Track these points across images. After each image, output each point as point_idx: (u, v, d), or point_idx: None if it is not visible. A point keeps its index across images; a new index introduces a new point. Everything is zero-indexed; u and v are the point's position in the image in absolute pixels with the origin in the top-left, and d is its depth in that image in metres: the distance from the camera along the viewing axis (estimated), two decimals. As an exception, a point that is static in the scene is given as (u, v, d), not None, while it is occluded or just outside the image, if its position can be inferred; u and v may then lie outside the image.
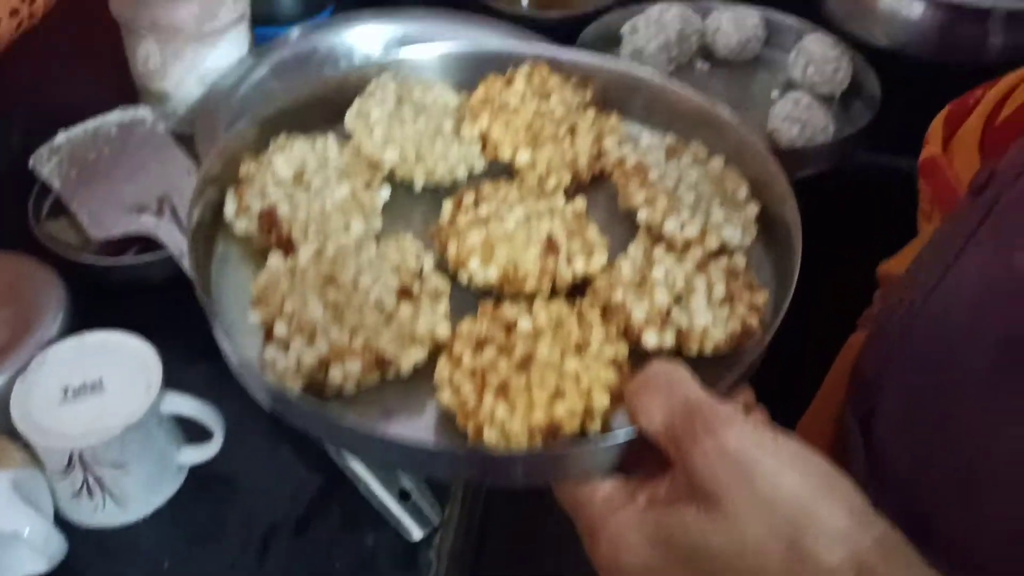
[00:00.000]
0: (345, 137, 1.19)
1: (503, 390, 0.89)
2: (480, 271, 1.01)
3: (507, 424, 0.87)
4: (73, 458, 1.10)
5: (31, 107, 1.63)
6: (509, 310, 0.98)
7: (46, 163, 1.39)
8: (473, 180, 1.16)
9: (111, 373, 1.15)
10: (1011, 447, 0.84)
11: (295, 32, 1.65)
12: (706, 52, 1.97)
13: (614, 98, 1.24)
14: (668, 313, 0.97)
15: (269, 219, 1.05)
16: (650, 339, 0.96)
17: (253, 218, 1.07)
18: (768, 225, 1.11)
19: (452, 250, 1.04)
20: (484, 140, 1.16)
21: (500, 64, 1.24)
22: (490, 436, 0.87)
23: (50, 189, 1.39)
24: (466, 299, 1.03)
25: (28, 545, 1.07)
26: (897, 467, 0.97)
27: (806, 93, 1.82)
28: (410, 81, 1.24)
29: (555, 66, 1.23)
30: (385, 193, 1.14)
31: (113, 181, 1.41)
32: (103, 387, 1.11)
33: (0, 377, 1.14)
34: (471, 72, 1.25)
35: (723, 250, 1.04)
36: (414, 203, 1.16)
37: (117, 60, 1.55)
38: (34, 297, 1.24)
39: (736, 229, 1.06)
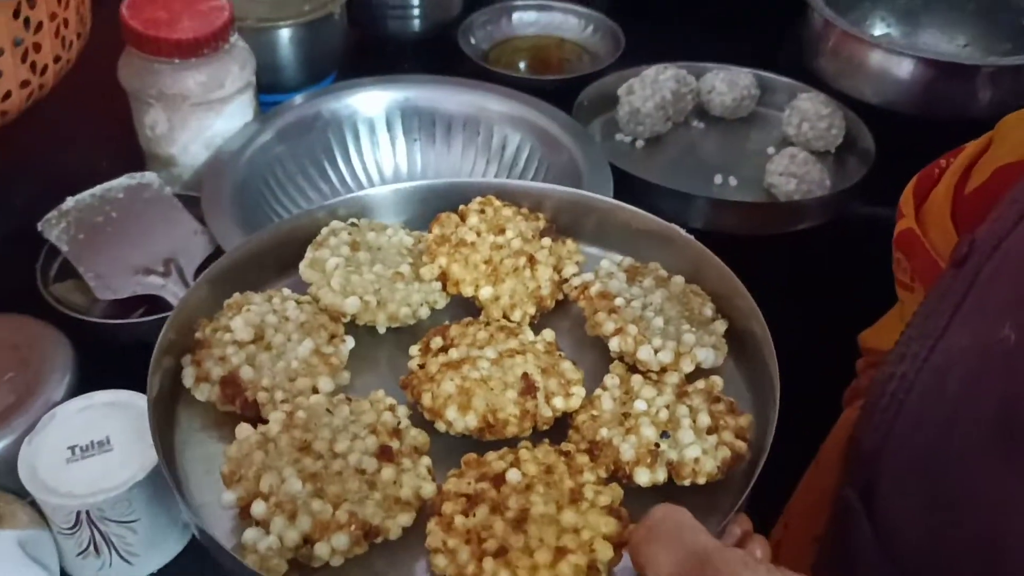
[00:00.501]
0: (301, 287, 1.10)
1: (502, 553, 0.82)
2: (459, 420, 0.95)
3: None
4: (80, 516, 1.05)
5: (40, 172, 1.61)
6: (496, 462, 0.91)
7: (54, 227, 1.35)
8: (435, 316, 1.10)
9: (118, 431, 1.12)
10: None
11: (299, 99, 1.62)
12: (701, 111, 1.94)
13: (567, 223, 1.19)
14: (657, 447, 0.91)
15: (232, 386, 0.97)
16: (642, 477, 0.91)
17: (215, 384, 0.99)
18: (736, 338, 1.06)
19: (427, 400, 0.97)
20: (444, 278, 1.09)
21: (449, 200, 1.17)
22: None
23: (58, 252, 1.35)
24: (445, 444, 0.97)
25: (35, 605, 1.07)
26: (909, 538, 0.92)
27: (802, 148, 1.76)
28: (362, 225, 1.15)
29: (505, 196, 1.17)
30: (349, 344, 1.05)
31: (120, 244, 1.37)
32: (110, 445, 1.07)
33: (8, 437, 1.11)
34: (420, 208, 1.20)
35: (698, 370, 1.01)
36: (378, 345, 1.09)
37: (124, 126, 1.52)
38: (42, 358, 1.19)
39: (709, 351, 1.02)
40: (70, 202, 1.42)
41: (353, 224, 1.15)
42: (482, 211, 1.15)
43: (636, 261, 1.14)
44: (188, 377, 1.01)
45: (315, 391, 0.99)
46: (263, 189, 1.55)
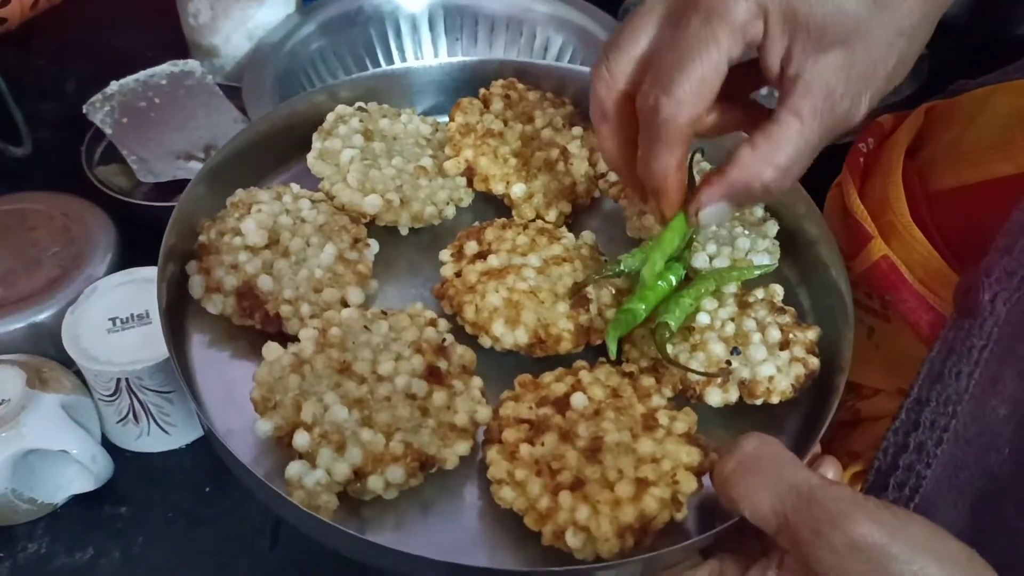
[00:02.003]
0: (307, 181, 0.66)
1: (579, 486, 0.49)
2: (508, 335, 0.55)
3: (593, 527, 0.48)
4: (120, 384, 0.74)
5: (86, 58, 1.14)
6: (555, 384, 0.55)
7: (98, 111, 0.96)
8: (460, 215, 0.66)
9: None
10: None
11: None
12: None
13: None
14: (728, 365, 0.55)
15: (250, 297, 0.56)
16: (714, 397, 0.55)
17: (228, 296, 0.57)
18: (786, 239, 0.65)
19: (470, 313, 0.56)
20: (470, 172, 0.66)
21: (465, 83, 0.74)
22: (575, 542, 0.48)
23: (103, 136, 0.95)
24: (488, 360, 0.57)
25: (77, 464, 0.72)
26: None
27: None
28: (372, 110, 0.69)
29: (525, 78, 0.73)
30: (374, 249, 0.62)
31: (162, 129, 0.96)
32: (149, 319, 0.76)
33: (53, 308, 0.79)
34: (434, 93, 0.75)
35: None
36: (398, 248, 0.65)
37: (169, 15, 1.08)
38: (86, 235, 0.84)
39: (764, 255, 0.63)
40: (114, 86, 0.98)
41: (362, 109, 0.69)
42: (506, 96, 0.71)
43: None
44: (196, 287, 0.58)
45: (343, 303, 0.58)
46: (304, 81, 1.03)
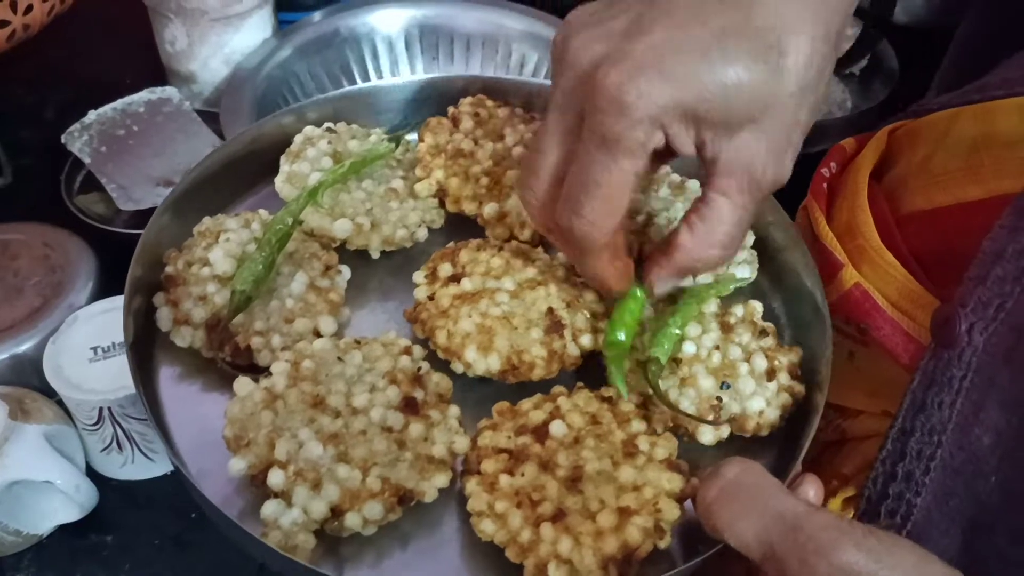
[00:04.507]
0: (273, 205, 0.60)
1: (560, 518, 0.45)
2: (480, 361, 0.50)
3: (576, 560, 0.44)
4: (103, 412, 0.69)
5: (65, 85, 1.07)
6: (533, 412, 0.50)
7: (77, 140, 0.90)
8: (433, 237, 0.61)
9: (138, 334, 0.76)
10: None
11: (317, 16, 1.06)
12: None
13: None
14: (719, 402, 0.50)
15: (218, 330, 0.51)
16: (707, 436, 0.50)
17: (197, 329, 0.52)
18: (758, 245, 0.61)
19: (442, 339, 0.51)
20: (442, 193, 0.61)
21: (434, 101, 0.68)
22: (558, 575, 0.44)
23: (82, 165, 0.90)
24: (461, 386, 0.52)
25: (61, 494, 0.67)
26: None
27: None
28: (341, 131, 0.64)
29: (494, 94, 0.67)
30: (346, 275, 0.57)
31: (141, 156, 0.91)
32: None
33: (35, 338, 0.73)
34: (401, 111, 0.69)
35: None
36: (370, 272, 0.59)
37: (145, 42, 1.02)
38: (66, 264, 0.79)
39: (745, 267, 0.58)
40: (92, 115, 0.92)
41: (330, 130, 0.63)
42: (475, 114, 0.65)
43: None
44: (164, 320, 0.53)
45: (316, 333, 0.53)
46: (282, 105, 0.96)
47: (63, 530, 0.70)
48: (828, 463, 0.61)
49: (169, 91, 0.95)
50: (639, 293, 0.51)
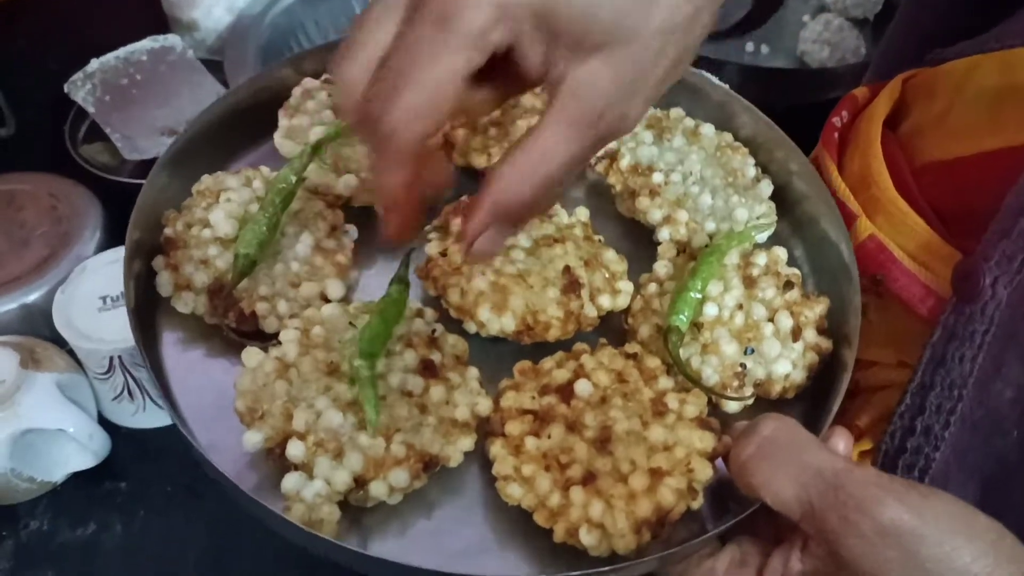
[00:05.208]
0: (275, 161, 0.53)
1: (590, 480, 0.40)
2: (494, 321, 0.45)
3: (608, 524, 0.39)
4: (113, 362, 0.64)
5: (67, 35, 0.98)
6: (556, 370, 0.44)
7: (80, 89, 0.83)
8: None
9: (146, 281, 0.71)
10: None
11: None
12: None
13: None
14: (743, 368, 0.45)
15: (222, 296, 0.45)
16: (732, 405, 0.46)
17: (200, 294, 0.46)
18: (778, 195, 0.55)
19: (455, 297, 0.45)
20: (448, 145, 0.54)
21: None
22: (590, 540, 0.39)
23: (86, 114, 0.82)
24: (475, 346, 0.46)
25: (75, 442, 0.63)
26: None
27: (838, 15, 1.00)
28: None
29: None
30: (353, 235, 0.50)
31: (145, 105, 0.83)
32: None
33: (43, 288, 0.68)
34: None
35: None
36: (376, 229, 0.52)
37: None
38: (73, 215, 0.72)
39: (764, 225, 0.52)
40: (94, 64, 0.84)
41: (329, 82, 0.56)
42: None
43: (655, 108, 0.56)
44: (165, 285, 0.46)
45: (323, 298, 0.46)
46: (286, 54, 0.87)
47: (77, 477, 0.65)
48: (842, 415, 0.57)
49: (172, 39, 0.87)
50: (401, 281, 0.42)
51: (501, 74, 0.36)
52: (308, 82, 0.54)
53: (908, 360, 0.47)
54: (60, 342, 0.65)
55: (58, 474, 0.65)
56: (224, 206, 0.47)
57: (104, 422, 0.67)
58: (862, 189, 0.53)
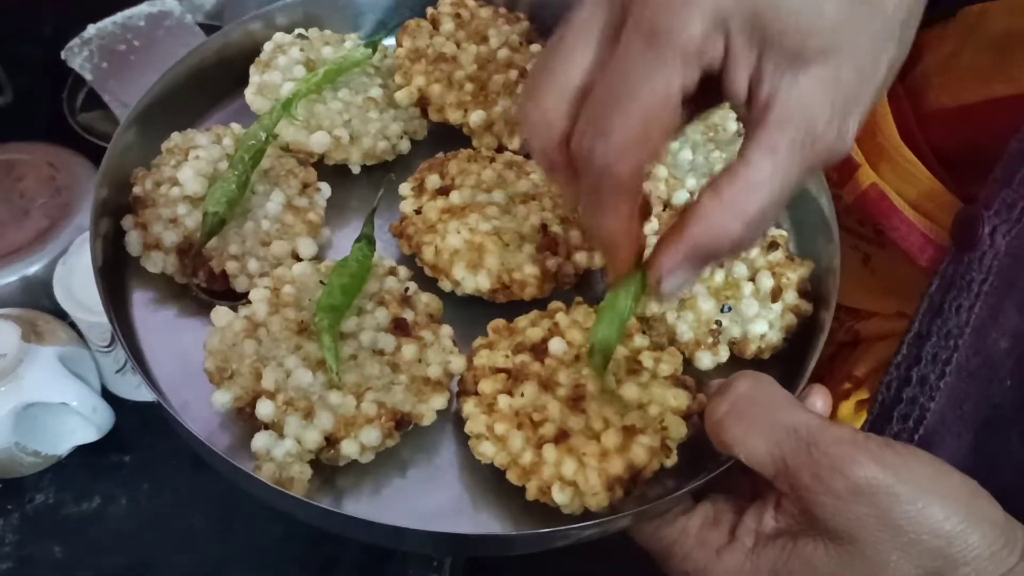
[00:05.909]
0: (247, 118, 0.52)
1: (563, 439, 0.39)
2: (469, 279, 0.44)
3: (581, 481, 0.39)
4: (115, 335, 0.74)
5: (62, 1, 0.94)
6: (530, 329, 0.43)
7: (77, 55, 0.82)
8: (417, 149, 0.54)
9: (150, 253, 0.70)
10: None
11: None
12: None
13: (550, 22, 0.57)
14: (718, 325, 0.45)
15: (191, 255, 0.45)
16: (704, 361, 0.45)
17: (169, 253, 0.45)
18: None
19: (429, 255, 0.44)
20: (424, 102, 0.53)
21: (414, 1, 0.59)
22: (562, 497, 0.39)
23: (84, 82, 0.82)
24: (450, 304, 0.46)
25: (78, 415, 0.63)
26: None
27: None
28: (313, 37, 0.56)
29: None
30: (326, 193, 0.50)
31: (143, 72, 0.82)
32: None
33: (43, 259, 0.68)
34: (378, 14, 0.61)
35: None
36: (349, 189, 0.52)
37: None
38: (72, 185, 0.72)
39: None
40: (91, 29, 0.83)
41: (302, 36, 0.55)
42: (456, 15, 0.57)
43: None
44: (134, 245, 0.46)
45: (294, 256, 0.46)
46: None
47: (82, 450, 0.65)
48: (841, 365, 0.55)
49: (169, 4, 0.86)
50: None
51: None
52: (280, 37, 0.53)
53: (906, 311, 0.46)
54: (62, 315, 0.65)
55: (62, 447, 0.65)
56: (193, 164, 0.46)
57: (107, 395, 0.67)
58: (867, 137, 0.51)
